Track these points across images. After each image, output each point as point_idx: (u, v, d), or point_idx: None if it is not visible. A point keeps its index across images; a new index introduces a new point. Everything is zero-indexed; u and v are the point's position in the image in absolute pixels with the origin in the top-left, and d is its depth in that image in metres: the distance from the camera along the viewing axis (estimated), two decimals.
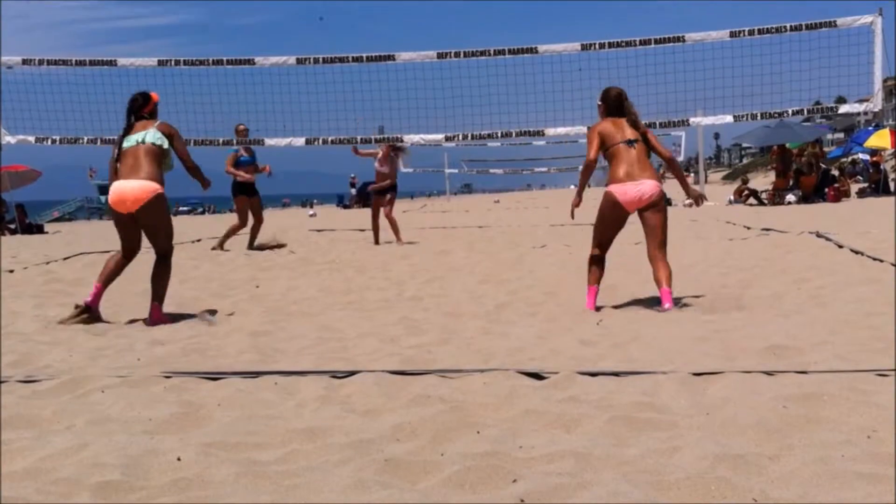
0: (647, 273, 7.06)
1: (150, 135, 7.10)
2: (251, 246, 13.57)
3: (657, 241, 6.91)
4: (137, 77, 14.61)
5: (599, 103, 7.24)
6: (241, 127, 14.29)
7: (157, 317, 6.87)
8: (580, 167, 7.62)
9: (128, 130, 7.25)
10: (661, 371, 4.43)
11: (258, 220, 13.86)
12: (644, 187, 6.81)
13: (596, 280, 7.05)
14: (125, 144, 7.13)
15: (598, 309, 6.90)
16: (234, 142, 14.31)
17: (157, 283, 7.02)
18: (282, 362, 5.16)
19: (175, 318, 6.94)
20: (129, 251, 7.20)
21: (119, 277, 7.26)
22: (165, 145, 7.13)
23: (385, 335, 6.01)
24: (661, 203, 6.93)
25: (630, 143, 6.92)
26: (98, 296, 7.07)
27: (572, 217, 7.41)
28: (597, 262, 7.06)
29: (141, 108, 7.34)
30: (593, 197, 8.29)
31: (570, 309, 6.96)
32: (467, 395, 4.15)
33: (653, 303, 7.01)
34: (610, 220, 7.01)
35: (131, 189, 6.92)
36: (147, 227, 7.08)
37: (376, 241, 14.19)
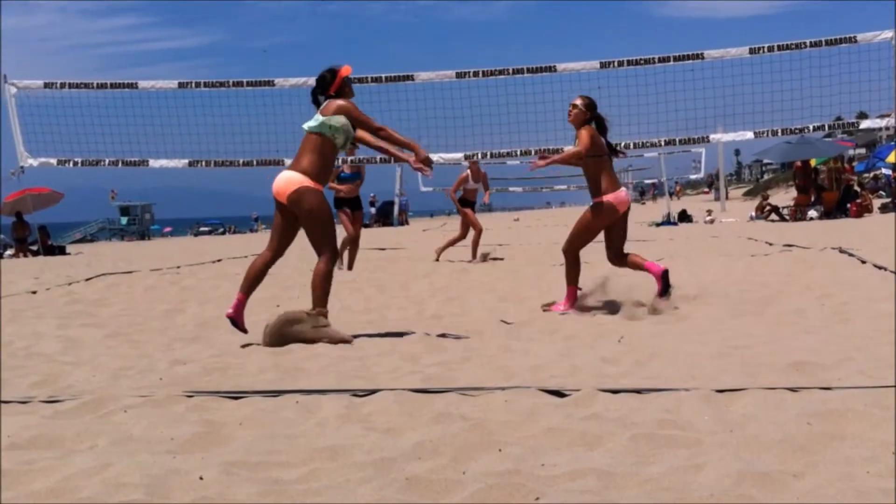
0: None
1: (319, 120, 6.49)
2: (350, 266, 13.69)
3: (624, 241, 7.95)
4: (158, 99, 14.74)
5: (584, 110, 7.74)
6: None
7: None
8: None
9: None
10: (684, 388, 4.40)
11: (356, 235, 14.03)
12: (626, 194, 7.89)
13: (577, 280, 7.92)
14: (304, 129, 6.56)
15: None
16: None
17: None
18: (303, 381, 5.17)
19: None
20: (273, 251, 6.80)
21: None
22: (327, 133, 6.46)
23: (406, 353, 6.00)
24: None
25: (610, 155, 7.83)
26: (240, 305, 6.83)
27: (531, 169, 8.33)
28: (579, 264, 7.94)
29: (327, 88, 6.67)
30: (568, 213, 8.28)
31: (591, 326, 6.95)
32: (489, 412, 4.14)
33: (673, 318, 7.00)
34: (603, 227, 7.80)
35: (278, 181, 6.50)
36: (304, 224, 6.57)
37: (474, 256, 14.27)
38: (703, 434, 3.66)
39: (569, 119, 7.74)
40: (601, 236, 7.89)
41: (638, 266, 7.78)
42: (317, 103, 6.65)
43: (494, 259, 14.22)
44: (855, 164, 39.19)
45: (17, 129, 14.09)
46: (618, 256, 7.91)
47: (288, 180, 6.42)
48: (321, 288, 6.60)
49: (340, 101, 6.50)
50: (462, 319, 7.67)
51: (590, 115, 7.75)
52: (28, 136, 14.34)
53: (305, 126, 6.50)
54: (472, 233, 14.39)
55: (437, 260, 14.00)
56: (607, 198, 7.65)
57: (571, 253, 7.92)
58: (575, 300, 7.85)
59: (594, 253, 8.71)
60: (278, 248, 6.80)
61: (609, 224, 7.78)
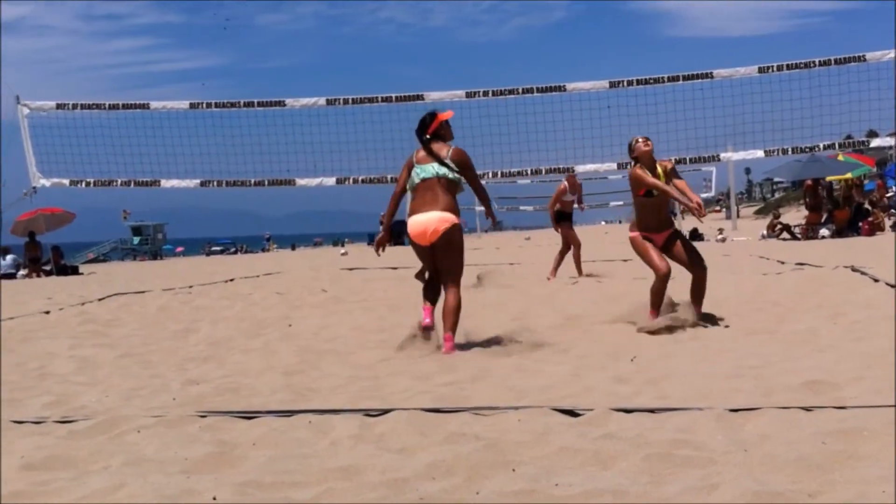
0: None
1: (442, 167, 6.91)
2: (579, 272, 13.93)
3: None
4: (170, 120, 14.78)
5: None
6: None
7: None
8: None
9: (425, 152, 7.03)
10: (697, 407, 4.39)
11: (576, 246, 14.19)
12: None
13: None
14: (421, 175, 6.95)
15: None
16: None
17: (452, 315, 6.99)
18: (315, 401, 5.17)
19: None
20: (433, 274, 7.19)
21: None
22: (451, 175, 6.93)
23: (418, 373, 6.00)
24: None
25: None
26: (431, 314, 7.09)
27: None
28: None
29: (426, 128, 7.07)
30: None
31: (604, 345, 6.93)
32: (502, 432, 4.13)
33: (685, 337, 6.99)
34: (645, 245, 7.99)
35: (429, 219, 6.85)
36: (443, 259, 6.98)
37: (579, 273, 14.03)
38: (717, 454, 3.65)
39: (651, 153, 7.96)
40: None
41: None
42: (421, 141, 7.10)
43: (590, 275, 13.89)
44: (865, 182, 39.09)
45: (30, 150, 14.18)
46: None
47: (441, 218, 6.85)
48: (455, 315, 7.02)
49: (458, 149, 7.06)
50: (474, 339, 7.65)
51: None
52: (41, 156, 14.43)
53: (433, 173, 6.90)
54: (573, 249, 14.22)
55: (550, 280, 13.73)
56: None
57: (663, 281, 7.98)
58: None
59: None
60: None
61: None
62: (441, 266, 7.02)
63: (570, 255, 14.10)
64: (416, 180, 6.95)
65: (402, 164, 7.23)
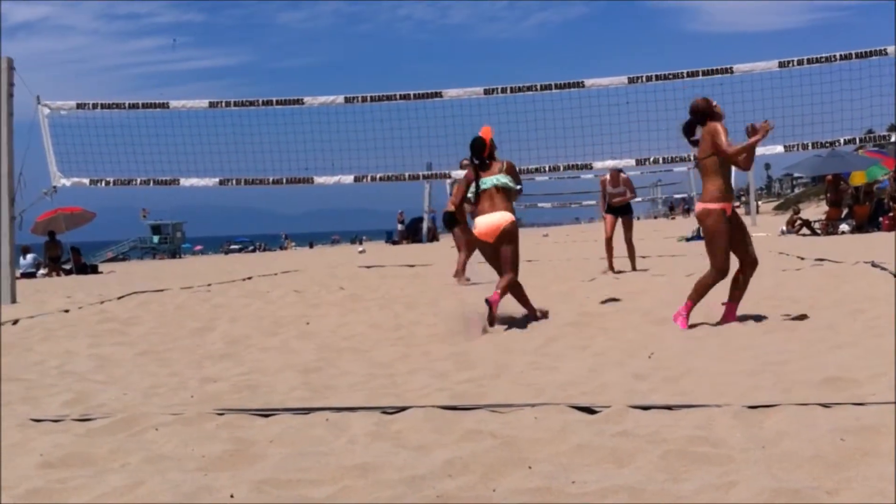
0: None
1: (501, 178, 8.46)
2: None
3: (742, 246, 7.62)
4: (189, 118, 14.79)
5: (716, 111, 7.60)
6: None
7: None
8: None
9: (481, 170, 8.52)
10: (715, 404, 4.37)
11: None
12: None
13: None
14: (483, 186, 8.47)
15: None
16: None
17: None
18: (332, 398, 5.18)
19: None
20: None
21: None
22: (511, 184, 8.49)
23: (435, 370, 6.01)
24: None
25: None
26: (496, 303, 7.96)
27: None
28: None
29: (481, 151, 8.56)
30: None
31: (621, 342, 6.92)
32: (518, 429, 4.13)
33: (703, 334, 6.97)
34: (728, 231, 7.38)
35: (498, 218, 8.35)
36: (504, 250, 8.39)
37: (610, 267, 13.90)
38: (735, 451, 3.63)
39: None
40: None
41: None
42: (481, 161, 8.56)
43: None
44: (882, 179, 38.83)
45: (50, 150, 14.22)
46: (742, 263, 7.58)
47: (502, 216, 8.32)
48: (507, 284, 8.28)
49: (508, 162, 8.67)
50: (491, 335, 7.65)
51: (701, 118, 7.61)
52: (61, 156, 14.45)
53: (492, 184, 8.44)
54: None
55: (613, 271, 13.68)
56: (722, 205, 7.37)
57: (720, 272, 7.50)
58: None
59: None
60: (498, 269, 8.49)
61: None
62: (502, 257, 8.34)
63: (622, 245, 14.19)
64: (483, 187, 8.42)
65: (459, 183, 8.88)
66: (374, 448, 3.94)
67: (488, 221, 8.35)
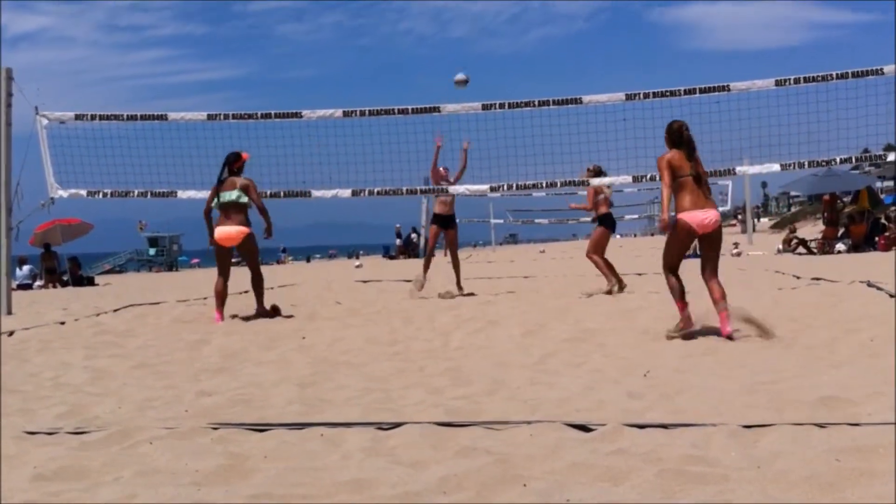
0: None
1: (235, 193, 10.53)
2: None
3: (714, 265, 7.97)
4: (187, 131, 14.77)
5: (665, 135, 8.06)
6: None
7: None
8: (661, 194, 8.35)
9: (221, 183, 10.66)
10: (711, 423, 4.37)
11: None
12: (710, 214, 7.83)
13: (682, 295, 7.94)
14: (222, 199, 10.60)
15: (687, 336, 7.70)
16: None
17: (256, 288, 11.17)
18: (328, 413, 5.17)
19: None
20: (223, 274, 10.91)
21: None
22: (244, 200, 10.54)
23: (431, 386, 6.00)
24: (721, 230, 8.04)
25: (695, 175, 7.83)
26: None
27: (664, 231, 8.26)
28: (677, 280, 8.01)
29: (232, 165, 10.70)
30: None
31: (618, 359, 6.91)
32: (513, 447, 4.12)
33: (699, 352, 6.96)
34: (683, 244, 8.01)
35: (229, 232, 10.55)
36: (243, 255, 11.07)
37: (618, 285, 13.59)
38: (731, 470, 3.63)
39: None
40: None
41: (714, 302, 7.94)
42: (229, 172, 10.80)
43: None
44: (883, 196, 38.88)
45: (48, 161, 14.20)
46: (705, 279, 7.98)
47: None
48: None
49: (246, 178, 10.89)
50: (487, 352, 7.65)
51: (668, 139, 8.01)
52: (58, 167, 14.42)
53: (234, 197, 10.49)
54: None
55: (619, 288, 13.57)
56: (681, 216, 7.83)
57: (668, 271, 8.12)
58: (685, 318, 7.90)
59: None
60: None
61: (688, 241, 8.07)
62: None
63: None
64: (222, 200, 10.57)
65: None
66: (369, 464, 3.93)
67: (227, 231, 10.64)
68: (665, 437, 4.19)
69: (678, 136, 7.89)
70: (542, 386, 5.86)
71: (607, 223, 14.05)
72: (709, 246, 7.98)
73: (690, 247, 8.34)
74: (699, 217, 7.77)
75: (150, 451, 4.28)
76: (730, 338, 7.51)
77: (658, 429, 4.35)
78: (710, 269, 7.94)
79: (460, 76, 14.02)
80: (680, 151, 7.85)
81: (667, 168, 7.81)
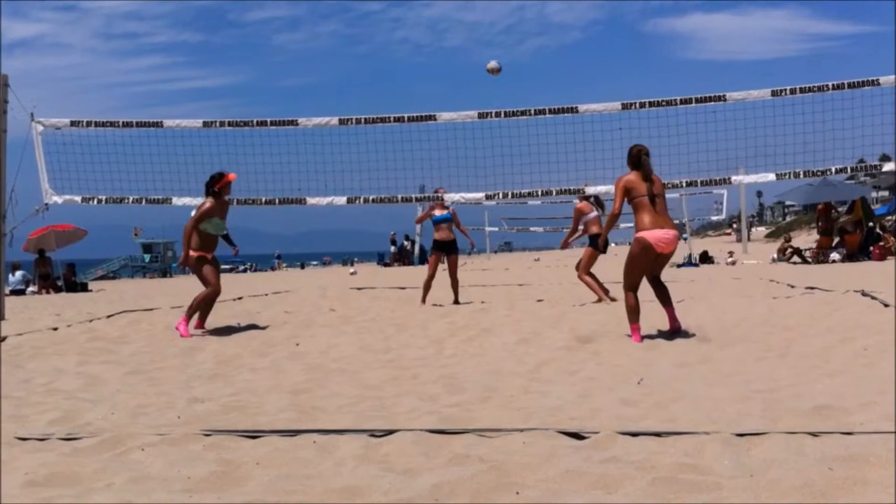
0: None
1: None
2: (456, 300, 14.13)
3: (660, 270, 8.65)
4: (183, 138, 14.78)
5: (627, 158, 8.53)
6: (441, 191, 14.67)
7: None
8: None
9: (221, 207, 10.40)
10: (704, 431, 4.37)
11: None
12: (670, 234, 8.27)
13: (637, 316, 8.36)
14: (218, 230, 10.50)
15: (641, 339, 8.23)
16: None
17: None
18: (321, 420, 5.16)
19: None
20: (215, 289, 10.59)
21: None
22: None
23: (424, 393, 5.99)
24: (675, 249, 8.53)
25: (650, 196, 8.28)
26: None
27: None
28: (636, 302, 8.40)
29: (213, 185, 10.32)
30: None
31: (612, 367, 6.91)
32: (507, 454, 4.11)
33: (694, 360, 6.96)
34: (643, 262, 8.36)
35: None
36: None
37: (609, 296, 13.52)
38: (724, 478, 3.62)
39: None
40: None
41: (662, 301, 8.72)
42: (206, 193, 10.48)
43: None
44: (878, 206, 38.97)
45: (43, 167, 14.19)
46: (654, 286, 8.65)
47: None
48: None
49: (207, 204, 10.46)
50: (481, 359, 7.65)
51: (629, 162, 8.47)
52: (53, 173, 14.42)
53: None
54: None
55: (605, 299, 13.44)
56: (640, 234, 8.22)
57: (628, 291, 8.48)
58: (638, 336, 8.33)
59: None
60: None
61: (648, 260, 8.39)
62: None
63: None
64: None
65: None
66: (361, 471, 3.92)
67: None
68: (658, 446, 4.19)
69: (636, 159, 8.36)
70: (536, 394, 5.86)
71: (597, 244, 14.03)
72: (659, 265, 8.58)
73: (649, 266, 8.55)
74: (658, 235, 8.21)
75: (142, 457, 4.27)
76: (677, 331, 8.43)
77: (651, 437, 4.35)
78: (657, 275, 8.63)
79: (493, 63, 13.99)
80: (638, 172, 8.34)
81: (621, 191, 8.34)
